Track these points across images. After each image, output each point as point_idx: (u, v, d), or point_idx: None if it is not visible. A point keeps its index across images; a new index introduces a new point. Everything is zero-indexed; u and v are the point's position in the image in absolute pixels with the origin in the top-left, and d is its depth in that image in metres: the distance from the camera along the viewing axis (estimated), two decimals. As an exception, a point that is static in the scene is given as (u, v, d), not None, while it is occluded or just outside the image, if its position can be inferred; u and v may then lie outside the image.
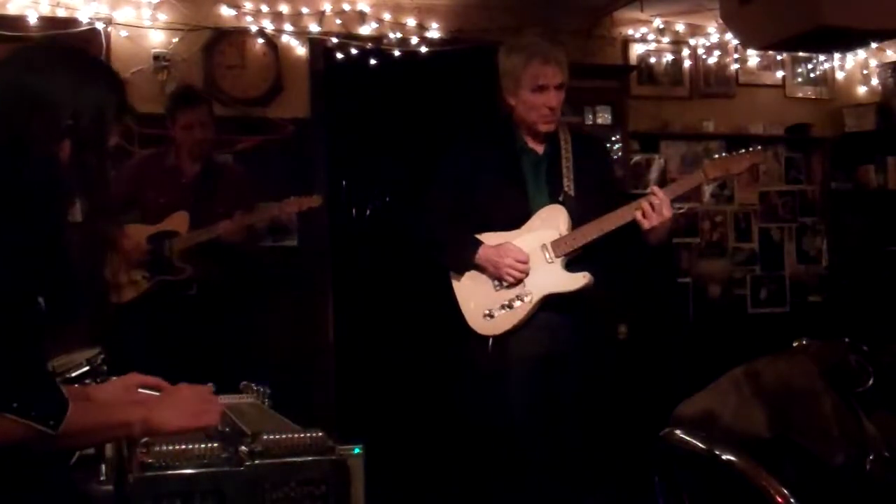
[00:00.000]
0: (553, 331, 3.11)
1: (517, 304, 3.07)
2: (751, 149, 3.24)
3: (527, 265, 3.06)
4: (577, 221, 3.09)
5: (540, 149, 3.21)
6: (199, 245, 4.01)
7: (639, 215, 3.02)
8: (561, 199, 3.12)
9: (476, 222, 3.16)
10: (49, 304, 1.58)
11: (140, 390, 1.91)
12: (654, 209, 3.00)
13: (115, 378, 1.99)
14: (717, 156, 3.24)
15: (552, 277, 3.08)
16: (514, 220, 3.14)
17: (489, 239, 3.12)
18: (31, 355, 1.57)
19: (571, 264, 3.11)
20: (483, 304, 3.10)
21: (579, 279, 3.08)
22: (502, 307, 3.08)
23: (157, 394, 1.90)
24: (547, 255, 3.09)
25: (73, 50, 1.89)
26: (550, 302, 3.09)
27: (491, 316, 3.09)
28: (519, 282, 3.07)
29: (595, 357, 3.22)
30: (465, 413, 3.31)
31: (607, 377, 3.28)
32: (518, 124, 3.21)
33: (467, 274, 3.14)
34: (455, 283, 3.17)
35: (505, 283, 3.09)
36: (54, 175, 1.65)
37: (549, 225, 3.11)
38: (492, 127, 3.31)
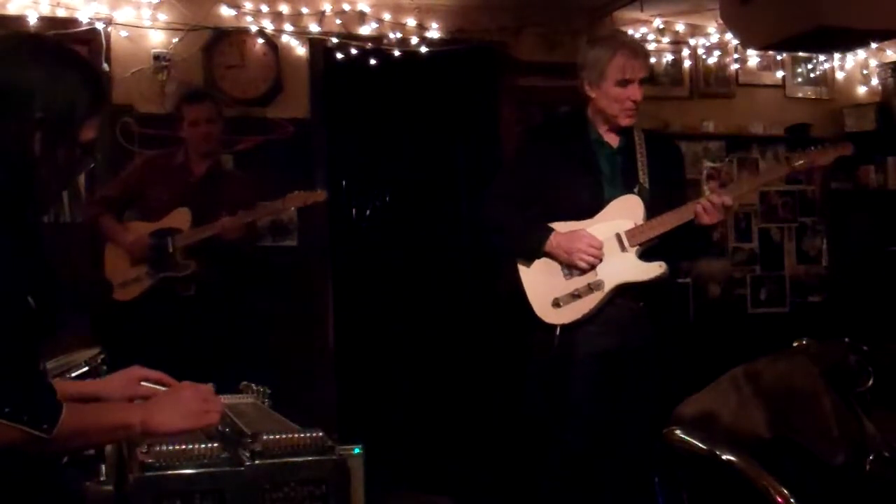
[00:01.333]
0: (623, 325, 3.06)
1: (587, 293, 3.02)
2: (836, 143, 3.17)
3: (600, 251, 3.01)
4: (651, 213, 3.06)
5: (615, 142, 3.19)
6: (201, 242, 4.00)
7: (699, 209, 3.00)
8: (636, 190, 3.09)
9: (548, 212, 3.12)
10: (38, 303, 1.58)
11: (143, 384, 1.90)
12: (715, 207, 2.99)
13: (117, 372, 1.98)
14: (798, 150, 3.21)
15: (626, 267, 3.04)
16: (588, 210, 3.10)
17: (561, 227, 3.08)
18: (24, 357, 1.55)
19: (644, 255, 3.06)
20: (552, 293, 3.05)
21: (654, 268, 3.03)
22: (572, 296, 3.03)
23: (161, 388, 1.89)
24: (621, 245, 3.04)
25: (47, 42, 1.84)
26: (622, 293, 3.05)
27: (559, 305, 3.04)
28: (591, 268, 3.02)
29: (669, 351, 3.17)
30: (525, 401, 3.26)
31: (679, 371, 3.22)
32: (593, 116, 3.19)
33: (537, 262, 3.09)
34: (523, 271, 3.11)
35: (576, 272, 3.04)
36: (27, 169, 1.63)
37: (623, 215, 3.07)
38: (566, 119, 3.32)
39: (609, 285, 3.03)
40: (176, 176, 4.14)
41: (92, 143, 1.74)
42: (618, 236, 3.05)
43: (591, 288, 3.03)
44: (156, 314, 4.03)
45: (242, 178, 4.47)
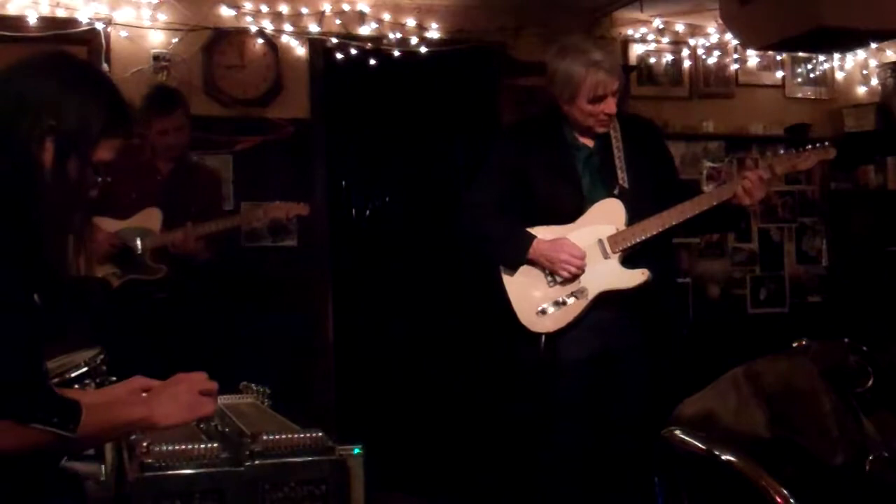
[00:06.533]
0: (605, 331, 3.04)
1: (571, 300, 3.00)
2: (818, 145, 3.12)
3: (583, 261, 2.99)
4: (633, 215, 3.03)
5: (590, 142, 3.15)
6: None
7: (740, 191, 2.97)
8: (616, 192, 3.05)
9: (528, 217, 3.09)
10: (45, 303, 1.59)
11: (144, 395, 1.90)
12: (763, 181, 2.97)
13: (118, 383, 1.97)
14: (782, 151, 3.16)
15: (608, 274, 3.01)
16: (568, 214, 3.07)
17: (542, 233, 3.04)
18: (38, 360, 1.58)
19: (628, 260, 3.04)
20: (536, 301, 3.03)
21: (637, 276, 3.00)
22: (556, 304, 3.01)
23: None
24: (603, 251, 3.02)
25: (74, 59, 1.87)
26: (605, 300, 3.03)
27: (544, 313, 3.02)
28: (574, 278, 3.01)
29: (654, 356, 3.14)
30: (511, 410, 3.25)
31: (668, 375, 3.21)
32: (567, 121, 3.14)
33: (520, 269, 3.07)
34: (506, 279, 3.08)
35: (559, 279, 3.02)
36: (34, 174, 1.64)
37: (605, 220, 3.04)
38: (539, 123, 3.24)
39: (592, 293, 3.01)
40: (143, 173, 4.04)
41: (106, 165, 1.76)
42: (600, 242, 3.03)
43: (574, 295, 3.01)
44: (127, 315, 3.90)
45: (210, 175, 4.40)
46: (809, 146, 3.13)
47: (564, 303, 3.01)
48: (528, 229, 3.07)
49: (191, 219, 3.95)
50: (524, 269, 3.07)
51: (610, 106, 3.04)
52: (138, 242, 3.96)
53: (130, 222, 4.00)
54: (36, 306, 1.57)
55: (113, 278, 3.98)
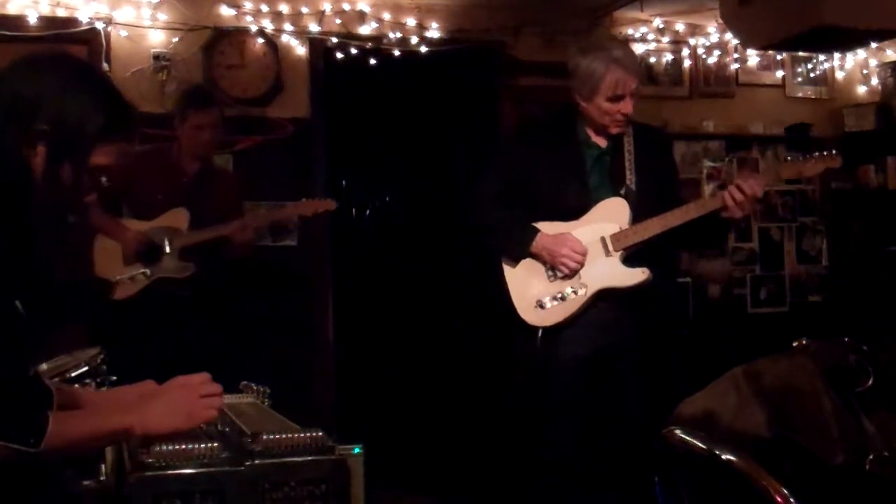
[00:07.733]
0: (605, 329, 3.06)
1: (571, 296, 3.03)
2: (825, 153, 3.12)
3: (583, 257, 3.02)
4: (637, 215, 3.04)
5: (603, 142, 3.16)
6: (202, 244, 3.97)
7: (729, 201, 2.94)
8: (623, 192, 3.08)
9: (534, 212, 3.11)
10: (29, 309, 1.56)
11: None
12: (746, 195, 2.93)
13: (130, 385, 1.94)
14: (789, 158, 3.17)
15: (609, 271, 3.04)
16: (574, 211, 3.09)
17: (547, 228, 3.07)
18: (10, 369, 1.53)
19: (630, 259, 3.06)
20: (535, 294, 3.06)
21: (637, 274, 3.02)
22: (555, 298, 3.04)
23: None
24: (605, 249, 3.04)
25: (73, 60, 1.81)
26: (605, 297, 3.05)
27: (542, 307, 3.04)
28: (574, 273, 3.03)
29: (653, 356, 3.15)
30: (507, 404, 3.25)
31: (667, 375, 3.22)
32: (582, 119, 3.15)
33: (522, 263, 3.10)
34: (508, 271, 3.12)
35: (559, 274, 3.05)
36: (23, 178, 1.61)
37: (609, 218, 3.07)
38: (553, 118, 3.26)
39: (592, 289, 3.03)
40: (168, 174, 4.08)
41: (105, 170, 1.71)
42: (602, 240, 3.05)
43: (574, 291, 3.03)
44: (150, 314, 3.94)
45: (232, 177, 4.44)
46: (816, 153, 3.14)
47: (564, 297, 3.04)
48: (533, 224, 3.09)
49: (213, 221, 3.99)
50: (526, 262, 3.09)
51: (627, 106, 3.05)
52: (167, 242, 3.98)
53: (158, 222, 4.03)
54: (14, 314, 1.54)
55: (141, 278, 3.94)
